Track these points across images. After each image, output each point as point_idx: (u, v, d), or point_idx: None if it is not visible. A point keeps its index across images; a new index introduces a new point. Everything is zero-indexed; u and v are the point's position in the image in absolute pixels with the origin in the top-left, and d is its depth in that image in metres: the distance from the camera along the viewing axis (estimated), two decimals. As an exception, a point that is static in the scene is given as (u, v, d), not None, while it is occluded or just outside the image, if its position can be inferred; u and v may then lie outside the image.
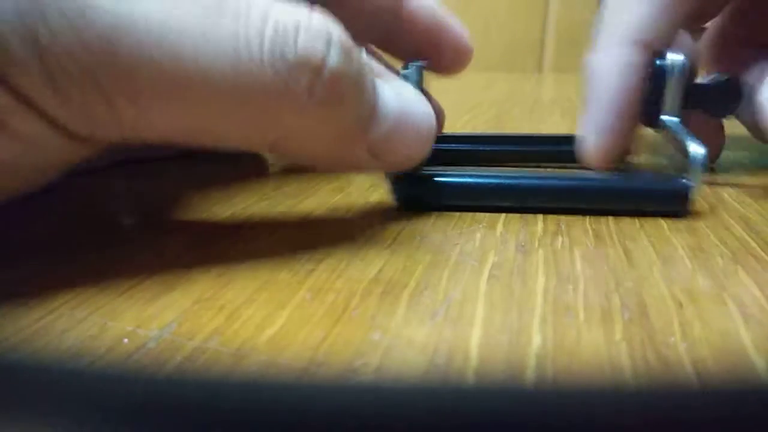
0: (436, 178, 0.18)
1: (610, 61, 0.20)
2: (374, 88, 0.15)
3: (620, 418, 0.06)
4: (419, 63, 0.19)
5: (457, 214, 0.18)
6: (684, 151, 0.18)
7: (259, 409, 0.06)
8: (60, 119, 0.11)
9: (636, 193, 0.18)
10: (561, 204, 0.18)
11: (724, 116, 0.22)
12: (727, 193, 0.21)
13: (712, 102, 0.21)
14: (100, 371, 0.07)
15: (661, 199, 0.18)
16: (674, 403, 0.06)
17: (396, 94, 0.15)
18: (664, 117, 0.20)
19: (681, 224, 0.17)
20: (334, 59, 0.13)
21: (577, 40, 1.27)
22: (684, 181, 0.18)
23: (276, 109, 0.13)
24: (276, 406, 0.06)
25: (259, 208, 0.18)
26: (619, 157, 0.21)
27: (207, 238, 0.16)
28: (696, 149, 0.18)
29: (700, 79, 0.22)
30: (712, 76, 0.22)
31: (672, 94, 0.20)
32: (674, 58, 0.19)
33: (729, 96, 0.21)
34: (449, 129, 0.33)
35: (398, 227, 0.17)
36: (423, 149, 0.16)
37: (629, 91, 0.20)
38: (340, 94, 0.13)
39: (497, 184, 0.18)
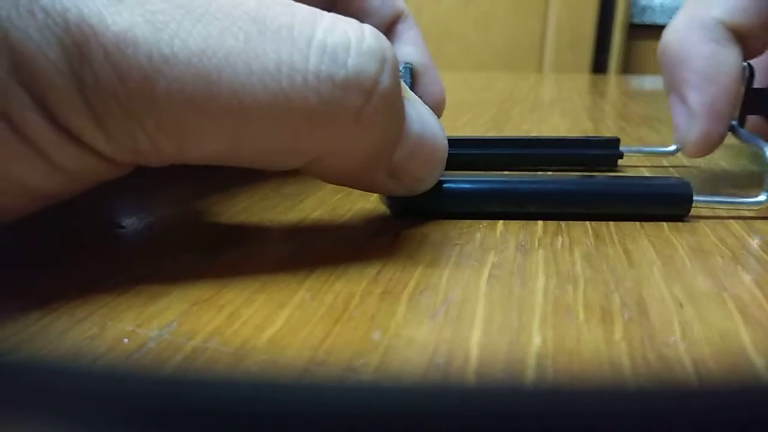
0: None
1: (709, 48, 0.20)
2: (402, 103, 0.14)
3: (620, 418, 0.06)
4: (408, 64, 0.19)
5: (457, 214, 0.18)
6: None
7: (259, 409, 0.06)
8: (103, 151, 0.11)
9: (639, 196, 0.17)
10: (562, 209, 0.17)
11: None
12: (726, 193, 0.21)
13: None
14: (100, 371, 0.07)
15: (664, 202, 0.18)
16: (674, 403, 0.06)
17: (417, 114, 0.15)
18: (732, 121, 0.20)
19: (681, 224, 0.17)
20: (386, 81, 0.12)
21: (577, 40, 1.27)
22: (684, 183, 0.18)
23: (319, 133, 0.12)
24: (276, 406, 0.06)
25: (258, 209, 0.18)
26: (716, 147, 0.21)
27: (207, 238, 0.16)
28: None
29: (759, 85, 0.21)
30: None
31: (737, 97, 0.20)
32: None
33: None
34: (449, 129, 0.33)
35: (398, 227, 0.17)
36: (437, 172, 0.16)
37: (735, 78, 0.20)
38: (387, 116, 0.13)
39: (494, 190, 0.17)
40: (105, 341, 0.10)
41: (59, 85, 0.11)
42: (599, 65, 1.26)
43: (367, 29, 0.13)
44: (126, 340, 0.11)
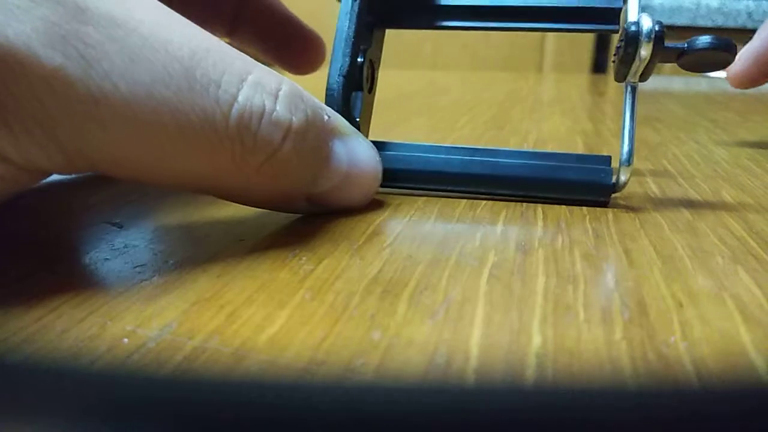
0: None
1: None
2: (328, 152, 0.16)
3: (620, 418, 0.06)
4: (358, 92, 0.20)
5: (457, 213, 0.18)
6: None
7: (259, 409, 0.06)
8: (11, 158, 0.11)
9: (560, 183, 0.19)
10: (489, 189, 0.19)
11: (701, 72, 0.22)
12: (727, 193, 0.21)
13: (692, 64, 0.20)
14: (100, 371, 0.07)
15: (585, 189, 0.18)
16: (674, 402, 0.06)
17: (347, 151, 0.16)
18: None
19: (681, 224, 0.17)
20: (288, 146, 0.14)
21: (577, 40, 1.27)
22: (606, 169, 0.18)
23: (225, 178, 0.14)
24: (276, 406, 0.06)
25: (258, 208, 0.18)
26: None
27: (206, 238, 0.16)
28: None
29: None
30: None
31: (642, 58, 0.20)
32: (644, 23, 0.18)
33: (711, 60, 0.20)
34: (448, 129, 0.33)
35: (398, 227, 0.17)
36: (363, 200, 0.18)
37: None
38: (287, 172, 0.14)
39: (422, 168, 0.19)
40: (105, 341, 0.10)
41: None
42: (599, 65, 1.26)
43: (283, 93, 0.14)
44: (126, 340, 0.11)
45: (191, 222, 0.17)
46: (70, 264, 0.14)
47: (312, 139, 0.15)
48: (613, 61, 0.20)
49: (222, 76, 0.13)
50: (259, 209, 0.17)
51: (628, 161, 0.18)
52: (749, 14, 1.20)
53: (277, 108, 0.14)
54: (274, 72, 0.14)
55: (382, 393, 0.06)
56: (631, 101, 0.19)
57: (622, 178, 0.18)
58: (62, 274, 0.13)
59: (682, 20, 1.23)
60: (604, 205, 0.19)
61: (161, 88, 0.12)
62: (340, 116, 0.17)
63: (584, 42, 1.25)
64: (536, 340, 0.11)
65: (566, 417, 0.06)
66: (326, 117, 0.16)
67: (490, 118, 0.38)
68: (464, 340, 0.11)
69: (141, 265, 0.14)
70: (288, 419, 0.06)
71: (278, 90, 0.14)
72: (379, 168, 0.18)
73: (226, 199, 0.15)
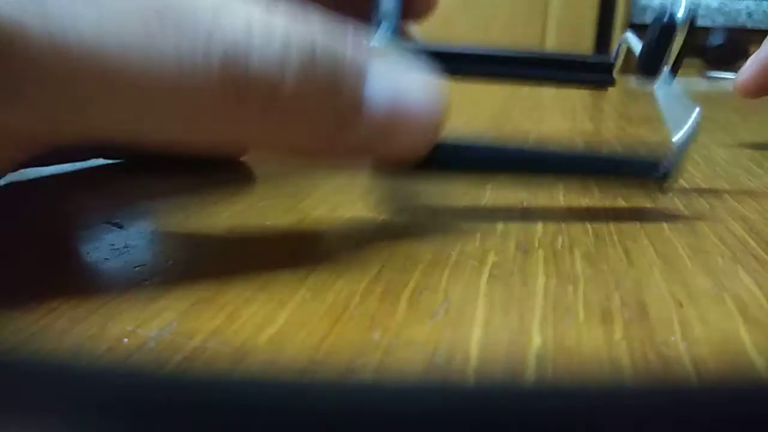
0: None
1: None
2: (359, 81, 0.13)
3: (620, 417, 0.06)
4: (388, 23, 0.18)
5: (458, 214, 0.18)
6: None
7: (259, 409, 0.06)
8: None
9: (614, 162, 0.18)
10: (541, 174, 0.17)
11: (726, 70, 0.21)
12: (727, 193, 0.21)
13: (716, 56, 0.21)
14: (100, 371, 0.07)
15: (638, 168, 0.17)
16: (674, 402, 0.06)
17: (390, 82, 0.13)
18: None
19: (681, 224, 0.17)
20: (290, 81, 0.12)
21: (577, 40, 1.27)
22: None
23: (229, 125, 0.12)
24: (276, 406, 0.06)
25: (258, 209, 0.18)
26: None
27: (206, 238, 0.16)
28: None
29: None
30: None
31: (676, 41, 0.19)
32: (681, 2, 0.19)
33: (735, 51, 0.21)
34: (448, 129, 0.33)
35: (399, 226, 0.17)
36: (425, 140, 0.14)
37: None
38: (299, 114, 0.12)
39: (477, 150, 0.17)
40: (105, 341, 0.10)
41: None
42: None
43: (275, 19, 0.12)
44: (126, 340, 0.11)
45: (191, 222, 0.17)
46: (70, 264, 0.14)
47: (326, 71, 0.12)
48: (640, 60, 0.19)
49: (195, 10, 0.11)
50: (260, 210, 0.17)
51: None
52: (749, 14, 1.20)
53: (270, 38, 0.11)
54: None
55: (382, 393, 0.06)
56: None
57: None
58: (62, 274, 0.13)
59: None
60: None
61: (130, 32, 0.11)
62: (382, 44, 0.14)
63: (584, 42, 1.25)
64: (536, 340, 0.11)
65: (566, 417, 0.06)
66: (350, 44, 0.13)
67: (490, 118, 0.38)
68: (464, 340, 0.11)
69: (141, 265, 0.14)
70: (288, 419, 0.06)
71: (268, 20, 0.12)
72: (439, 109, 0.14)
73: (248, 150, 0.14)
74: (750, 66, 0.29)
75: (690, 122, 0.18)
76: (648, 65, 0.19)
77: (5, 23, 0.10)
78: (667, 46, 0.18)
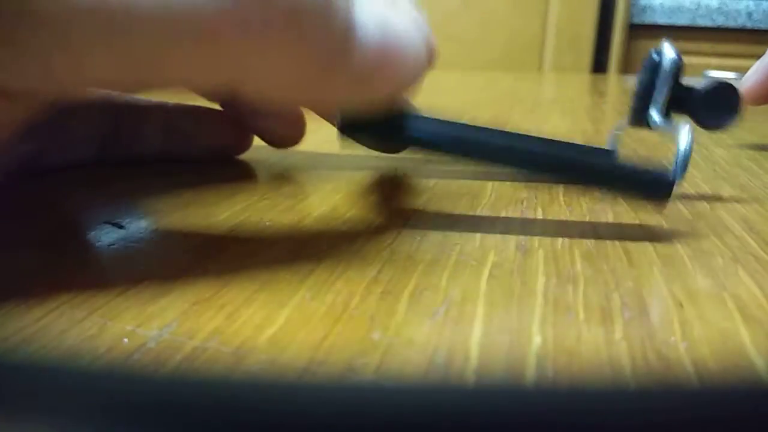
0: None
1: None
2: (348, 13, 0.13)
3: (620, 417, 0.06)
4: None
5: (458, 214, 0.18)
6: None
7: (259, 409, 0.06)
8: None
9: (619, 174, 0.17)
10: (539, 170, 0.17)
11: (716, 128, 0.20)
12: (727, 193, 0.21)
13: (703, 109, 0.19)
14: (100, 371, 0.07)
15: (643, 182, 0.17)
16: (674, 402, 0.06)
17: (379, 18, 0.13)
18: (653, 114, 0.19)
19: (681, 224, 0.17)
20: None
21: (577, 40, 1.27)
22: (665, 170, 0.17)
23: (227, 46, 0.11)
24: (276, 406, 0.06)
25: (258, 208, 0.18)
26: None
27: (206, 238, 0.16)
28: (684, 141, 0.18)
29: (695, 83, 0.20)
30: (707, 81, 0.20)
31: (661, 91, 0.19)
32: (667, 52, 0.19)
33: (722, 104, 0.19)
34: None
35: (398, 226, 0.17)
36: (412, 77, 0.14)
37: None
38: (299, 24, 0.12)
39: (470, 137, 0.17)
40: (105, 341, 0.10)
41: None
42: (599, 65, 1.26)
43: None
44: (126, 340, 0.11)
45: (191, 222, 0.17)
46: (70, 264, 0.14)
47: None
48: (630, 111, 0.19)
49: None
50: (259, 210, 0.17)
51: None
52: (749, 14, 1.20)
53: None
54: None
55: (382, 393, 0.06)
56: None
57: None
58: (62, 274, 0.13)
59: (682, 20, 1.23)
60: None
61: None
62: None
63: (584, 42, 1.25)
64: (536, 340, 0.11)
65: (566, 417, 0.06)
66: None
67: (490, 118, 0.38)
68: (464, 340, 0.11)
69: (141, 265, 0.14)
70: (288, 419, 0.06)
71: None
72: (425, 40, 0.14)
73: (248, 93, 0.13)
74: (755, 73, 0.29)
75: (683, 142, 0.18)
76: (636, 116, 0.19)
77: None
78: (650, 97, 0.18)
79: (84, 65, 0.11)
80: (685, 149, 0.18)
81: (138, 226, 0.17)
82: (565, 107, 0.45)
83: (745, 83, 0.29)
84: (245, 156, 0.24)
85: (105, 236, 0.16)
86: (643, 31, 1.26)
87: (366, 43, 0.13)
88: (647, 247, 0.15)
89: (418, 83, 0.15)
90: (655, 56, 0.19)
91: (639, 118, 0.19)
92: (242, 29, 0.11)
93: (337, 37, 0.12)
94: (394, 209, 0.18)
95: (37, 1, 0.10)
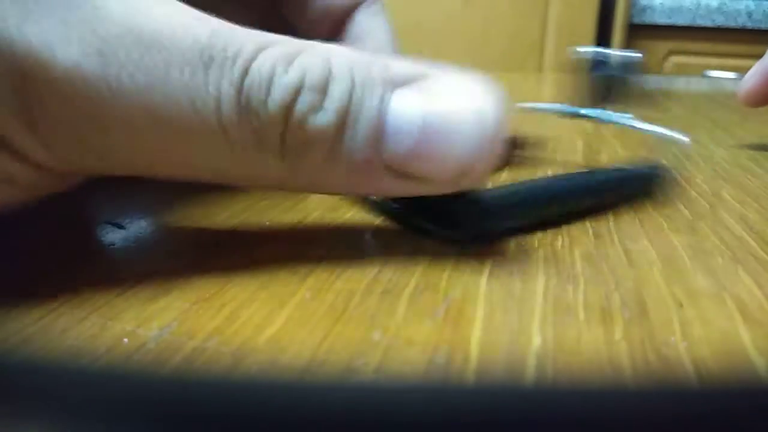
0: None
1: None
2: (377, 109, 0.12)
3: (620, 417, 0.06)
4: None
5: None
6: None
7: (259, 408, 0.06)
8: (41, 162, 0.12)
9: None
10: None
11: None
12: (727, 193, 0.21)
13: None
14: (100, 371, 0.07)
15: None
16: (674, 402, 0.06)
17: (423, 102, 0.13)
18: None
19: (681, 224, 0.17)
20: (299, 110, 0.12)
21: (577, 40, 1.27)
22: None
23: (253, 161, 0.12)
24: (276, 406, 0.06)
25: (258, 208, 0.18)
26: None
27: (206, 238, 0.16)
28: None
29: None
30: None
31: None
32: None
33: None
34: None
35: (399, 226, 0.17)
36: (475, 158, 0.13)
37: None
38: (313, 140, 0.12)
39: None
40: (105, 341, 0.10)
41: (3, 111, 0.11)
42: (599, 65, 1.26)
43: (303, 53, 0.12)
44: (126, 340, 0.11)
45: (191, 222, 0.17)
46: (70, 264, 0.14)
47: (339, 94, 0.12)
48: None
49: (239, 49, 0.12)
50: (259, 210, 0.17)
51: None
52: (749, 14, 1.20)
53: (290, 69, 0.12)
54: (298, 41, 0.13)
55: (382, 393, 0.06)
56: None
57: None
58: (62, 274, 0.13)
59: (682, 20, 1.23)
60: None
61: (176, 72, 0.11)
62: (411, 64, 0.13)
63: (584, 42, 1.25)
64: (536, 340, 0.11)
65: (566, 417, 0.06)
66: (378, 66, 0.13)
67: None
68: (464, 340, 0.11)
69: (141, 265, 0.14)
70: (288, 419, 0.06)
71: (287, 55, 0.12)
72: (487, 117, 0.13)
73: (291, 190, 0.14)
74: (754, 74, 0.29)
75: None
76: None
77: (68, 69, 0.11)
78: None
79: (132, 161, 0.12)
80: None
81: (138, 226, 0.17)
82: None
83: (744, 85, 0.29)
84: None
85: (105, 236, 0.16)
86: (643, 31, 1.26)
87: (403, 136, 0.13)
88: (647, 247, 0.15)
89: (481, 168, 0.13)
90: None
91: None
92: (262, 153, 0.12)
93: (360, 145, 0.12)
94: (394, 208, 0.18)
95: (100, 109, 0.11)
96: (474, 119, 0.13)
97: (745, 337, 0.11)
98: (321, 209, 0.18)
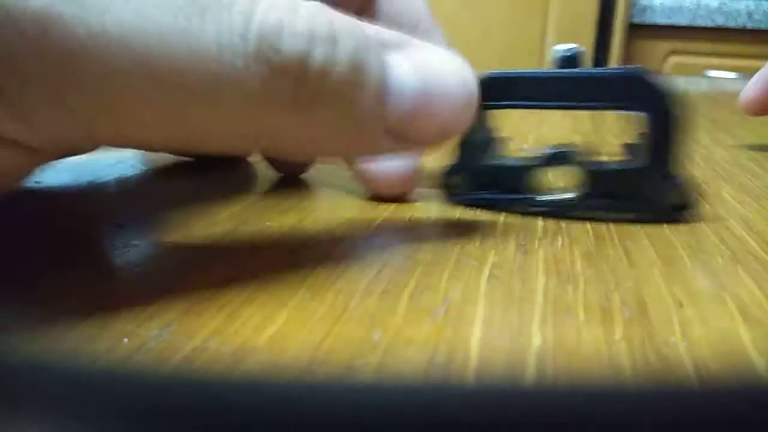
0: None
1: None
2: (381, 68, 0.13)
3: (620, 417, 0.06)
4: None
5: (458, 213, 0.18)
6: None
7: (259, 409, 0.06)
8: (20, 140, 0.11)
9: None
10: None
11: None
12: (727, 193, 0.21)
13: None
14: (100, 371, 0.07)
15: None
16: (674, 402, 0.06)
17: (416, 66, 0.13)
18: None
19: (681, 224, 0.17)
20: (318, 58, 0.12)
21: (577, 40, 1.27)
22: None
23: (259, 115, 0.12)
24: (276, 406, 0.06)
25: (258, 208, 0.18)
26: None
27: (206, 238, 0.16)
28: None
29: None
30: None
31: None
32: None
33: None
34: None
35: (398, 226, 0.17)
36: (458, 122, 0.14)
37: None
38: (328, 93, 0.12)
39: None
40: (105, 341, 0.10)
41: None
42: (599, 65, 1.26)
43: (303, 7, 0.12)
44: (126, 340, 0.11)
45: (191, 222, 0.17)
46: (70, 264, 0.14)
47: (349, 49, 0.12)
48: None
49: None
50: (259, 210, 0.17)
51: None
52: (749, 14, 1.20)
53: (298, 20, 0.12)
54: None
55: (382, 393, 0.06)
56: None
57: None
58: (62, 274, 0.13)
59: (682, 20, 1.23)
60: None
61: (168, 17, 0.10)
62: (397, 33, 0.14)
63: (584, 42, 1.25)
64: (536, 340, 0.11)
65: (566, 417, 0.06)
66: (372, 34, 0.13)
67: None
68: (464, 340, 0.11)
69: (141, 265, 0.14)
70: (288, 419, 0.06)
71: (294, 4, 0.12)
72: (469, 80, 0.14)
73: (278, 153, 0.13)
74: (755, 83, 0.29)
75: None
76: None
77: (39, 12, 0.10)
78: None
79: (124, 125, 0.11)
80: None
81: (138, 226, 0.17)
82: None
83: (745, 94, 0.29)
84: (239, 162, 0.24)
85: (105, 236, 0.16)
86: (643, 31, 1.26)
87: (402, 97, 0.13)
88: (647, 247, 0.15)
89: (462, 130, 0.15)
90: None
91: None
92: (272, 105, 0.12)
93: (368, 91, 0.13)
94: (394, 210, 0.18)
95: (82, 61, 0.10)
96: (460, 85, 0.14)
97: (745, 337, 0.11)
98: (321, 209, 0.18)
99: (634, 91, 0.17)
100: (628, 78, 0.17)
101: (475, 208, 0.18)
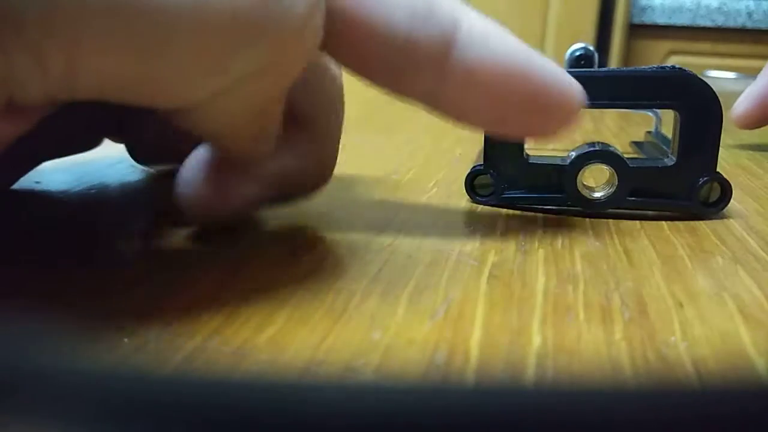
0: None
1: None
2: (451, 31, 0.12)
3: (620, 417, 0.06)
4: None
5: (458, 214, 0.18)
6: None
7: (259, 408, 0.06)
8: (27, 86, 0.09)
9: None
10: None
11: None
12: (727, 193, 0.21)
13: None
14: (101, 371, 0.07)
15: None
16: (674, 402, 0.06)
17: (482, 36, 0.13)
18: None
19: (681, 224, 0.17)
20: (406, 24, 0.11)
21: (577, 40, 1.27)
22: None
23: (256, 42, 0.10)
24: (276, 405, 0.06)
25: (258, 208, 0.18)
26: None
27: (206, 238, 0.16)
28: None
29: None
30: None
31: None
32: None
33: None
34: (449, 128, 0.33)
35: (398, 226, 0.17)
36: (548, 121, 0.13)
37: None
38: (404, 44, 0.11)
39: None
40: (105, 341, 0.10)
41: None
42: (599, 65, 1.26)
43: None
44: (126, 340, 0.11)
45: (191, 222, 0.17)
46: (69, 264, 0.14)
47: (444, 12, 0.12)
48: None
49: None
50: (259, 210, 0.17)
51: None
52: (749, 14, 1.20)
53: None
54: None
55: (382, 393, 0.06)
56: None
57: None
58: (62, 274, 0.13)
59: (682, 20, 1.23)
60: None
61: None
62: None
63: (583, 41, 1.25)
64: (536, 340, 0.11)
65: (566, 417, 0.06)
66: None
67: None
68: (464, 340, 0.11)
69: (141, 265, 0.14)
70: (288, 419, 0.06)
71: None
72: (573, 88, 0.13)
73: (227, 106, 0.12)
74: (746, 98, 0.29)
75: None
76: None
77: None
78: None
79: (84, 62, 0.10)
80: None
81: (138, 225, 0.17)
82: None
83: (737, 110, 0.29)
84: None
85: (105, 237, 0.16)
86: (643, 31, 1.26)
87: (462, 54, 0.13)
88: (647, 247, 0.15)
89: (557, 128, 0.14)
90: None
91: None
92: (279, 24, 0.10)
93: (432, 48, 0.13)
94: (394, 209, 0.18)
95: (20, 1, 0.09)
96: (544, 73, 0.13)
97: (745, 337, 0.11)
98: (321, 209, 0.18)
99: (674, 89, 0.17)
100: (669, 77, 0.17)
101: (502, 208, 0.18)
